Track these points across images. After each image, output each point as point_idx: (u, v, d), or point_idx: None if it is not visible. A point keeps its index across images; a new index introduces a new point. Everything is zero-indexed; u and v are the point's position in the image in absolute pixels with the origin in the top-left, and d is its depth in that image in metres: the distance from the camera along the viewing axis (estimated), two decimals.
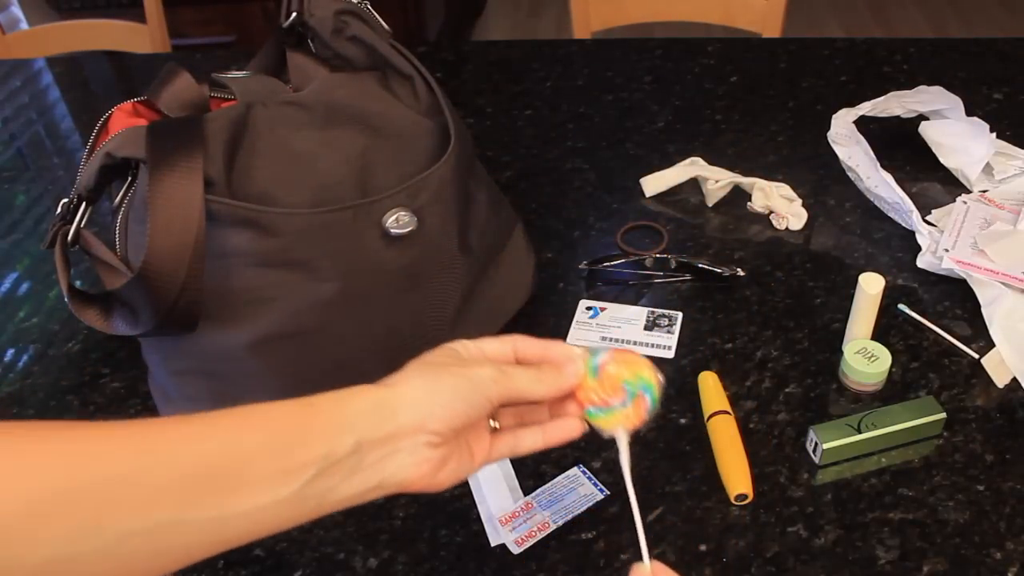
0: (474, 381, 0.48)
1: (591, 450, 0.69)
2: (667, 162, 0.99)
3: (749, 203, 0.93)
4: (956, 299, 0.80)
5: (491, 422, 0.52)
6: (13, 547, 0.35)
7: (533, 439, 0.52)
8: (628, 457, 0.52)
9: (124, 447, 0.40)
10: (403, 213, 0.65)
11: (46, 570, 0.36)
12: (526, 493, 0.66)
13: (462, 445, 0.49)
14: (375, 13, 0.73)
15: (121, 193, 0.63)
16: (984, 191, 0.91)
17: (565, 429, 0.53)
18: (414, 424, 0.46)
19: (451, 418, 0.47)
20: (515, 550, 0.62)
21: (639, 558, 0.49)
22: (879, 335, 0.75)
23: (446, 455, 0.47)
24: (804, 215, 0.91)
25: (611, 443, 0.68)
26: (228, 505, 0.41)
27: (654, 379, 0.52)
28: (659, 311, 0.81)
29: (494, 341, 0.52)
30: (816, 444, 0.66)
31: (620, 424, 0.51)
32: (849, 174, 0.93)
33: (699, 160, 0.97)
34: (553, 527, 0.63)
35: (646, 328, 0.80)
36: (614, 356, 0.52)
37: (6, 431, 0.38)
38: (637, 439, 0.66)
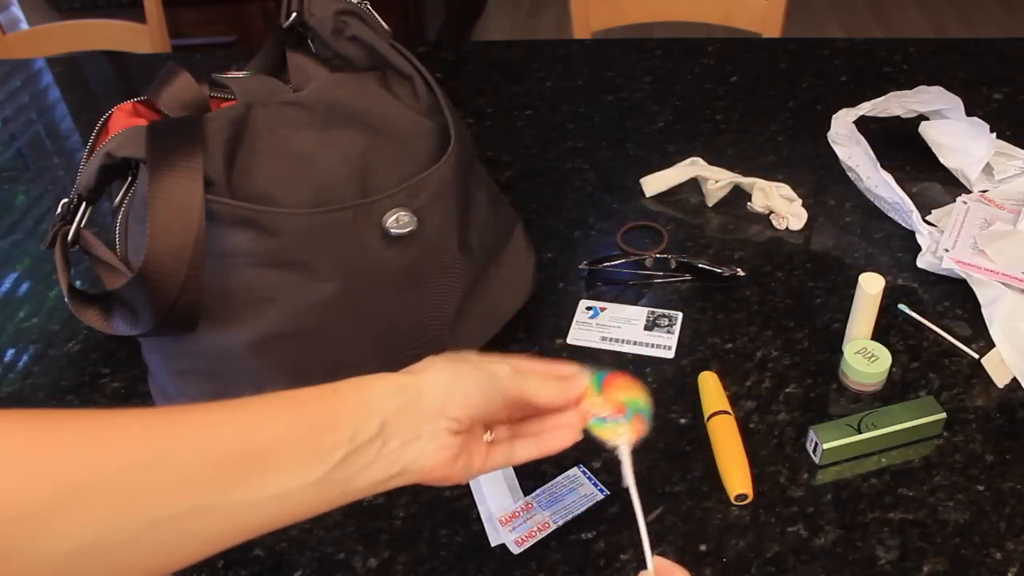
0: (491, 374, 0.50)
1: (591, 450, 0.68)
2: (667, 162, 0.99)
3: (749, 203, 0.93)
4: (956, 299, 0.80)
5: (486, 435, 0.53)
6: (41, 538, 0.35)
7: (527, 449, 0.54)
8: (631, 468, 0.53)
9: (150, 434, 0.40)
10: (403, 213, 0.65)
11: (74, 560, 0.36)
12: (526, 493, 0.66)
13: (469, 443, 0.50)
14: (375, 13, 0.73)
15: (121, 193, 0.63)
16: (984, 191, 0.91)
17: (559, 438, 0.54)
18: (436, 408, 0.47)
19: (470, 406, 0.48)
20: (515, 550, 0.62)
21: (639, 558, 0.49)
22: (879, 335, 0.75)
23: (462, 445, 0.48)
24: (804, 215, 0.91)
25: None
26: (255, 489, 0.41)
27: (647, 402, 0.55)
28: (659, 311, 0.81)
29: (497, 358, 0.54)
30: (816, 444, 0.66)
31: (624, 435, 0.54)
32: (849, 174, 0.93)
33: (699, 160, 0.97)
34: (553, 527, 0.63)
35: (646, 328, 0.80)
36: (614, 376, 0.55)
37: (30, 420, 0.38)
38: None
